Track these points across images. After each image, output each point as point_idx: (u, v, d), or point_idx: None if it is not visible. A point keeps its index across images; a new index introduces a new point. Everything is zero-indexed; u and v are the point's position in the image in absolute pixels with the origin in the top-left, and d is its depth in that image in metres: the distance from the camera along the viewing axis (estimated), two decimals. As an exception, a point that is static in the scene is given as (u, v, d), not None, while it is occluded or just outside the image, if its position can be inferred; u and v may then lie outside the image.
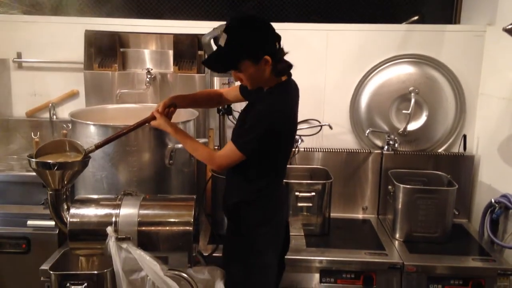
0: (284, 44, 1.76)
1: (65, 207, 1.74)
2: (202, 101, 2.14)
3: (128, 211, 1.70)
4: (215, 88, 2.47)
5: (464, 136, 2.73)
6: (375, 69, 2.74)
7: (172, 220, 1.72)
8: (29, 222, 2.35)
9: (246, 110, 1.89)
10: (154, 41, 2.68)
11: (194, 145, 1.88)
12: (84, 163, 1.76)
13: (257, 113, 1.74)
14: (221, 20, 2.09)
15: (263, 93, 1.80)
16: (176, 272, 1.67)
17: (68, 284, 1.67)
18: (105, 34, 2.62)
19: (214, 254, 2.15)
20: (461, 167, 2.69)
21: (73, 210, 1.72)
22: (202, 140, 1.99)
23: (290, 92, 1.82)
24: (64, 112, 2.83)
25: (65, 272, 1.71)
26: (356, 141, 2.82)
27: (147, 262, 1.62)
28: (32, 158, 1.69)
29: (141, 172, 2.05)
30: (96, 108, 2.50)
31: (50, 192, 1.73)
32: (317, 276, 2.20)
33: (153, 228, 1.70)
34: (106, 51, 2.62)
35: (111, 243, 1.63)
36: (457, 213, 2.49)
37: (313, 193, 2.42)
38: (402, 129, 2.71)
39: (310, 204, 2.43)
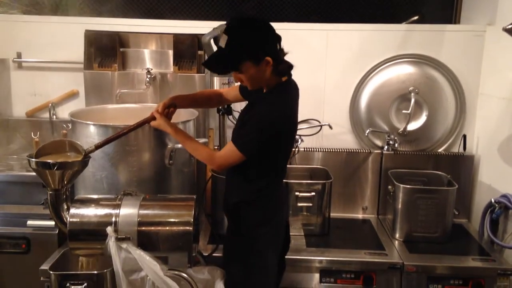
0: (284, 44, 1.76)
1: (65, 207, 1.74)
2: (202, 101, 2.13)
3: (128, 211, 1.70)
4: (215, 88, 2.47)
5: (464, 136, 2.73)
6: (375, 69, 2.74)
7: (172, 220, 1.72)
8: (29, 222, 2.35)
9: (246, 110, 1.89)
10: (154, 41, 2.68)
11: (194, 145, 1.88)
12: (84, 163, 1.76)
13: (257, 113, 1.74)
14: (221, 20, 2.09)
15: (263, 93, 1.80)
16: (176, 272, 1.67)
17: (68, 284, 1.67)
18: (105, 34, 2.62)
19: (214, 254, 2.15)
20: (461, 167, 2.69)
21: (73, 210, 1.72)
22: (202, 140, 1.99)
23: (290, 92, 1.82)
24: (64, 112, 2.82)
25: (65, 272, 1.71)
26: (356, 141, 2.82)
27: (147, 262, 1.62)
28: (32, 158, 1.69)
29: (141, 172, 2.05)
30: (96, 108, 2.50)
31: (50, 192, 1.73)
32: (317, 276, 2.20)
33: (153, 228, 1.70)
34: (106, 51, 2.62)
35: (111, 243, 1.63)
36: (457, 213, 2.49)
37: (313, 193, 2.42)
38: (402, 129, 2.71)
39: (310, 204, 2.43)
